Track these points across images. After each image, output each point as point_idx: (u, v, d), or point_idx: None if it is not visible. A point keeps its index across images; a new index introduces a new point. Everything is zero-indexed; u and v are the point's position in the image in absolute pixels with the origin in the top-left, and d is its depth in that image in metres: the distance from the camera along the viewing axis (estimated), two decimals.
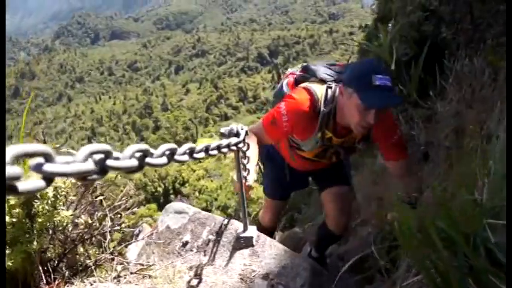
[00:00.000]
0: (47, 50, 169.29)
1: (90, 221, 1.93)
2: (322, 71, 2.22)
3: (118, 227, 2.08)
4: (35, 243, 1.61)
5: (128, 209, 2.38)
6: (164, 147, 0.87)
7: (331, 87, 2.08)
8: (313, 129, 2.10)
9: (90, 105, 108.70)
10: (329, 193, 2.54)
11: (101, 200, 2.10)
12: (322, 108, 2.05)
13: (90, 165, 0.58)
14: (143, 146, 0.76)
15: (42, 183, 0.51)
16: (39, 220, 1.66)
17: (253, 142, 2.15)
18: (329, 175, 2.57)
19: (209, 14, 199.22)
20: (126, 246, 2.16)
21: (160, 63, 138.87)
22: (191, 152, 1.10)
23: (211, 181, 26.74)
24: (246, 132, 1.94)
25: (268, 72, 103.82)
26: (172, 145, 0.92)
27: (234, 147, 1.75)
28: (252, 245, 2.15)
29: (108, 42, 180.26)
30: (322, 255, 3.05)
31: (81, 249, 1.88)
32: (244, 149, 1.92)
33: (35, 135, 2.72)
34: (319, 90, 2.09)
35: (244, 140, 1.86)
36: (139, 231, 2.93)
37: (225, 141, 1.62)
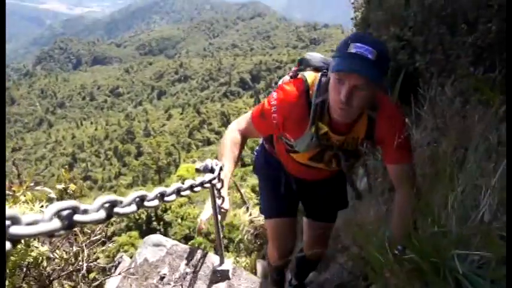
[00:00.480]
0: (28, 75, 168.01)
1: (65, 256, 1.89)
2: (318, 59, 2.07)
3: (94, 262, 2.06)
4: (6, 282, 1.53)
5: (109, 238, 2.37)
6: (133, 195, 0.86)
7: (325, 75, 1.86)
8: (306, 123, 1.88)
9: (71, 131, 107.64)
10: (312, 222, 2.45)
11: (76, 234, 2.08)
12: (314, 98, 1.84)
13: (56, 223, 0.58)
14: (111, 197, 0.75)
15: (8, 245, 0.52)
16: (12, 259, 1.58)
17: (228, 150, 2.01)
18: (320, 206, 2.41)
19: (191, 39, 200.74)
20: (103, 281, 2.15)
21: (143, 88, 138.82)
22: (162, 196, 1.08)
23: (194, 207, 26.53)
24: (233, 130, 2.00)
25: (250, 97, 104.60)
26: (142, 192, 0.91)
27: (208, 185, 1.70)
28: (229, 278, 2.14)
29: (90, 68, 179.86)
30: (301, 283, 2.92)
31: (57, 286, 1.84)
32: (219, 186, 1.84)
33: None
34: (311, 78, 1.91)
35: (219, 176, 1.79)
36: (119, 263, 2.91)
37: (198, 180, 1.58)
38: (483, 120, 3.32)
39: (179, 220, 19.77)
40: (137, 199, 0.87)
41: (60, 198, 2.63)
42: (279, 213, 2.40)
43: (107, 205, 0.75)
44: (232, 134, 2.06)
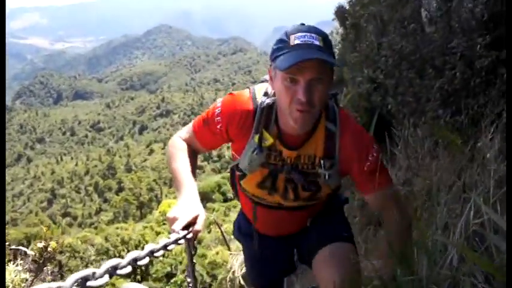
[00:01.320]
0: (7, 110, 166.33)
1: None
2: None
3: None
4: None
5: None
6: (106, 265, 0.86)
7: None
8: (250, 132, 1.63)
9: (50, 166, 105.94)
10: (321, 255, 1.73)
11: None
12: (260, 102, 1.63)
13: None
14: (84, 272, 0.76)
15: None
16: None
17: (178, 154, 1.78)
18: (318, 234, 1.82)
19: (173, 74, 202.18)
20: None
21: (124, 123, 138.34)
22: (135, 261, 1.04)
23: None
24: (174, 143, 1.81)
25: None
26: (114, 261, 0.89)
27: (182, 241, 1.46)
28: None
29: (71, 103, 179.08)
30: None
31: None
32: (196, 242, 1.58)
33: None
34: (260, 86, 1.73)
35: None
36: None
37: (173, 236, 1.39)
38: (453, 161, 3.50)
39: (161, 257, 19.48)
40: (110, 268, 0.87)
41: (40, 256, 2.62)
42: (262, 286, 2.21)
43: (79, 281, 0.75)
44: (175, 142, 1.84)
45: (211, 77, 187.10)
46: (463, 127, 3.56)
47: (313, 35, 1.40)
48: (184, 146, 1.80)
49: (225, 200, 37.15)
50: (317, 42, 1.38)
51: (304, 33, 1.40)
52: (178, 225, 1.44)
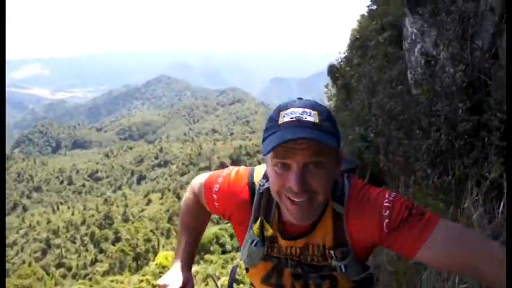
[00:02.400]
0: (6, 158, 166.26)
1: None
2: None
3: None
4: None
5: None
6: None
7: None
8: (248, 220, 1.41)
9: (46, 216, 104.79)
10: None
11: None
12: (258, 186, 1.40)
13: None
14: None
15: None
16: None
17: (185, 219, 1.67)
18: None
19: (172, 124, 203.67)
20: None
21: (122, 172, 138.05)
22: None
23: None
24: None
25: None
26: None
27: None
28: None
29: (70, 152, 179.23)
30: None
31: None
32: None
33: None
34: (261, 168, 1.48)
35: None
36: None
37: None
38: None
39: None
40: None
41: None
42: None
43: None
44: (188, 200, 1.69)
45: (209, 127, 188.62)
46: (450, 187, 3.67)
47: (306, 110, 1.16)
48: (194, 208, 1.65)
49: (223, 252, 36.61)
50: (311, 118, 1.14)
51: (296, 109, 1.17)
52: None
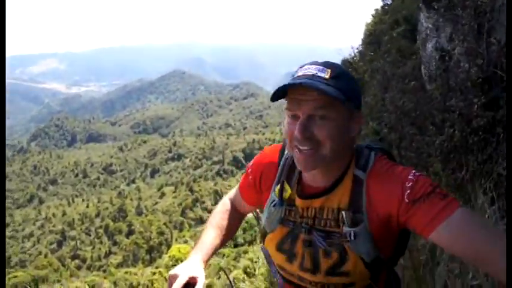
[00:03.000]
0: (22, 151, 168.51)
1: None
2: None
3: None
4: None
5: None
6: None
7: None
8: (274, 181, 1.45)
9: (62, 208, 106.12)
10: None
11: None
12: (286, 153, 1.44)
13: None
14: None
15: None
16: None
17: (215, 218, 1.66)
18: None
19: (185, 118, 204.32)
20: None
21: (136, 166, 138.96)
22: None
23: None
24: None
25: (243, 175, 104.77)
26: None
27: None
28: None
29: (85, 145, 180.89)
30: None
31: None
32: None
33: None
34: None
35: None
36: None
37: None
38: None
39: None
40: None
41: None
42: None
43: None
44: (222, 202, 1.75)
45: (222, 122, 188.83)
46: (463, 183, 3.63)
47: (319, 66, 1.22)
48: (225, 208, 1.70)
49: (236, 245, 36.67)
50: (321, 74, 1.19)
51: (310, 65, 1.23)
52: (177, 284, 1.34)
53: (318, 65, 1.23)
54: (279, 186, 1.41)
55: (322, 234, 1.32)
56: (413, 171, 1.21)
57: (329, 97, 1.16)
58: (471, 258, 1.11)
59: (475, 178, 3.58)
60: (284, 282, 1.50)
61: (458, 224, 1.10)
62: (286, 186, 1.39)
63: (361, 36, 9.39)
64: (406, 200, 1.16)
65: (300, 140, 1.21)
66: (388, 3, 8.54)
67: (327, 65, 1.23)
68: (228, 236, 1.66)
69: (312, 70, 1.20)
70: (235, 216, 1.71)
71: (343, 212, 1.27)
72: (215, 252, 1.62)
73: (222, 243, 1.64)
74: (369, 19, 9.59)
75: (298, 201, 1.37)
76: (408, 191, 1.16)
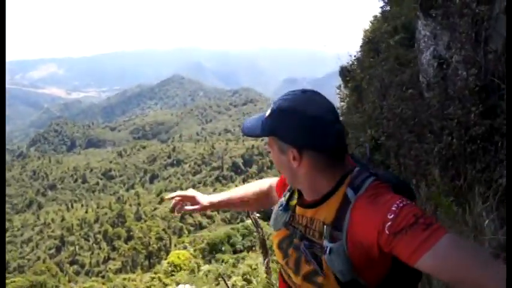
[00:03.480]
0: (21, 156, 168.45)
1: None
2: None
3: None
4: None
5: None
6: None
7: None
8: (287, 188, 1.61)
9: (60, 213, 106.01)
10: None
11: None
12: None
13: None
14: None
15: None
16: None
17: (247, 186, 1.96)
18: None
19: (185, 124, 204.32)
20: None
21: (135, 171, 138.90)
22: None
23: None
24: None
25: (242, 181, 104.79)
26: None
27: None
28: None
29: (84, 150, 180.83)
30: None
31: None
32: None
33: None
34: None
35: None
36: None
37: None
38: (453, 226, 3.52)
39: None
40: None
41: None
42: None
43: None
44: (266, 181, 1.94)
45: (222, 127, 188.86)
46: (462, 191, 3.62)
47: (273, 105, 1.42)
48: (261, 184, 1.93)
49: (235, 252, 36.63)
50: (267, 113, 1.44)
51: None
52: (173, 194, 1.93)
53: (275, 103, 1.42)
54: (289, 193, 1.57)
55: (308, 243, 1.41)
56: (398, 202, 1.20)
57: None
58: (461, 283, 1.09)
59: (473, 186, 3.56)
60: (280, 277, 1.62)
61: (444, 251, 1.08)
62: (295, 195, 1.54)
63: (360, 42, 9.41)
64: (387, 232, 1.16)
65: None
66: (387, 9, 8.56)
67: (275, 102, 1.42)
68: (249, 205, 1.97)
69: (266, 109, 1.44)
70: (263, 197, 1.91)
71: (325, 226, 1.34)
72: (228, 204, 1.95)
73: (238, 204, 1.94)
74: (367, 26, 9.63)
75: (297, 209, 1.50)
76: (389, 223, 1.16)
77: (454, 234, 1.14)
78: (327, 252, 1.30)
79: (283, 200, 1.57)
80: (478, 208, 3.15)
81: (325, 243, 1.32)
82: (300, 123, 1.34)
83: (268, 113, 1.42)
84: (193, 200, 1.92)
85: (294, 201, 1.53)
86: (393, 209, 1.18)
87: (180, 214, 1.92)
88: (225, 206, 1.99)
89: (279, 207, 1.57)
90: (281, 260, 1.57)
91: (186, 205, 1.94)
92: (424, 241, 1.10)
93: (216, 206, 1.95)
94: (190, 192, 1.94)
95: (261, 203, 1.94)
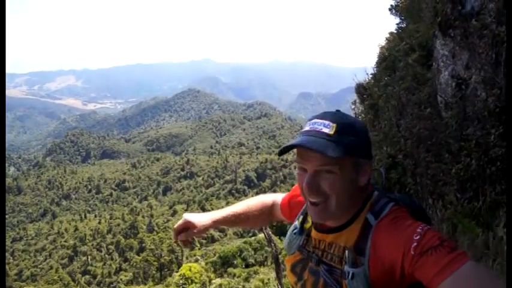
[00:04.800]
0: (37, 166, 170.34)
1: None
2: None
3: None
4: None
5: None
6: None
7: None
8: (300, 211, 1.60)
9: (74, 223, 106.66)
10: None
11: None
12: None
13: None
14: None
15: None
16: None
17: (243, 202, 1.86)
18: None
19: (199, 137, 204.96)
20: None
21: (149, 183, 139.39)
22: None
23: None
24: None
25: (255, 194, 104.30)
26: None
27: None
28: None
29: (99, 161, 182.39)
30: None
31: None
32: None
33: None
34: None
35: None
36: None
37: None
38: (471, 247, 3.46)
39: None
40: None
41: None
42: None
43: None
44: (266, 195, 1.90)
45: (236, 141, 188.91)
46: (481, 213, 3.55)
47: (326, 121, 1.30)
48: (264, 200, 1.88)
49: (247, 266, 36.42)
50: (325, 130, 1.28)
51: (318, 120, 1.32)
52: (176, 225, 1.84)
53: (326, 118, 1.31)
54: (302, 216, 1.55)
55: (327, 267, 1.40)
56: (423, 225, 1.23)
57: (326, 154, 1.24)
58: None
59: (493, 209, 3.50)
60: None
61: (466, 278, 1.08)
62: (309, 218, 1.51)
63: (375, 58, 9.39)
64: (412, 252, 1.17)
65: (308, 193, 1.33)
66: (403, 26, 8.55)
67: (334, 118, 1.31)
68: (248, 222, 1.86)
69: (318, 125, 1.29)
70: (266, 214, 1.86)
71: (347, 251, 1.33)
72: (229, 221, 1.85)
73: (240, 222, 1.85)
74: (383, 42, 9.60)
75: (314, 233, 1.48)
76: (415, 244, 1.17)
77: (476, 263, 1.13)
78: (349, 277, 1.30)
79: (297, 223, 1.56)
80: (500, 231, 3.09)
81: (347, 268, 1.32)
82: (368, 137, 1.37)
83: (331, 131, 1.28)
84: (190, 225, 1.85)
85: (309, 224, 1.52)
86: (418, 230, 1.20)
87: (191, 244, 1.85)
88: (230, 223, 1.89)
89: (293, 230, 1.55)
90: (294, 284, 1.56)
91: (188, 233, 1.85)
92: (448, 264, 1.10)
93: (220, 223, 1.89)
94: (184, 219, 1.89)
95: (263, 219, 1.90)
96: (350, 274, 1.30)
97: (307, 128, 1.33)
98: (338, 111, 1.39)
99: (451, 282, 1.08)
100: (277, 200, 1.83)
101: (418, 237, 1.18)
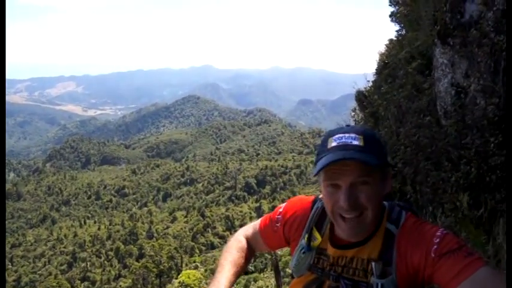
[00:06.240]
0: (37, 171, 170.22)
1: None
2: None
3: None
4: None
5: None
6: None
7: None
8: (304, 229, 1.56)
9: (73, 229, 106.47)
10: None
11: None
12: (318, 202, 1.57)
13: None
14: None
15: None
16: None
17: (230, 254, 1.72)
18: None
19: (199, 143, 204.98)
20: None
21: (149, 189, 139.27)
22: None
23: None
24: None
25: (255, 201, 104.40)
26: None
27: None
28: None
29: (99, 167, 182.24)
30: None
31: None
32: None
33: None
34: None
35: None
36: None
37: None
38: None
39: None
40: None
41: None
42: None
43: None
44: (237, 238, 1.81)
45: (236, 147, 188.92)
46: (482, 221, 3.56)
47: (352, 134, 1.32)
48: (241, 245, 1.78)
49: (246, 273, 36.35)
50: (356, 142, 1.30)
51: (342, 134, 1.34)
52: None
53: (350, 132, 1.33)
54: (307, 234, 1.51)
55: (350, 282, 1.38)
56: (442, 229, 1.30)
57: (366, 164, 1.27)
58: None
59: (493, 217, 3.51)
60: None
61: (482, 282, 1.12)
62: (317, 235, 1.49)
63: (375, 65, 9.39)
64: (433, 255, 1.23)
65: (346, 209, 1.30)
66: (402, 33, 8.57)
67: (357, 131, 1.34)
68: (240, 274, 1.72)
69: (346, 139, 1.31)
70: (250, 255, 1.79)
71: (373, 263, 1.33)
72: (234, 282, 1.68)
73: (238, 276, 1.71)
74: (383, 49, 9.60)
75: (331, 250, 1.45)
76: (435, 246, 1.24)
77: (492, 268, 1.19)
78: None
79: (303, 242, 1.51)
80: (500, 238, 3.10)
81: (373, 280, 1.33)
82: (385, 145, 1.42)
83: (361, 142, 1.30)
84: None
85: (317, 242, 1.50)
86: (438, 234, 1.26)
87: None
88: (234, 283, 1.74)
89: (301, 250, 1.51)
90: None
91: None
92: (465, 267, 1.15)
93: None
94: None
95: (249, 259, 1.81)
96: (379, 285, 1.31)
97: (334, 144, 1.32)
98: (348, 125, 1.43)
99: (467, 285, 1.13)
100: (249, 232, 1.82)
101: (437, 240, 1.25)
